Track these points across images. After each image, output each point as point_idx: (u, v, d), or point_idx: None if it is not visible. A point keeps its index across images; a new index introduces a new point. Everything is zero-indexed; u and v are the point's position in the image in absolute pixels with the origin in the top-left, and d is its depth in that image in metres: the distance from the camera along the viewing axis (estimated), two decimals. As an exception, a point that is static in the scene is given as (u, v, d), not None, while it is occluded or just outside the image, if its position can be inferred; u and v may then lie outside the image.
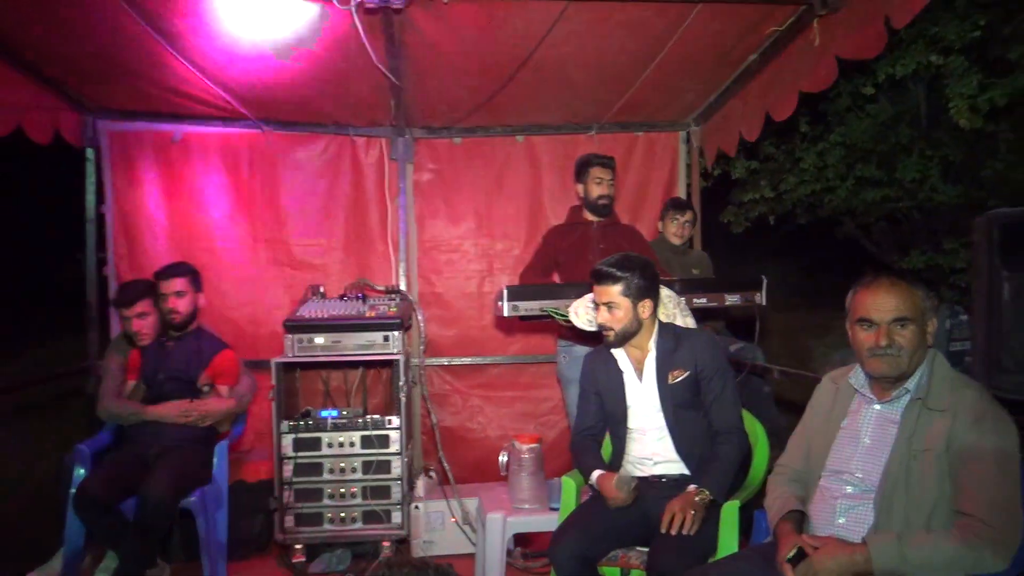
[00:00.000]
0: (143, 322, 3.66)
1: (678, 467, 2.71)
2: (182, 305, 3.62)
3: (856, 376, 2.22)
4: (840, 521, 2.07)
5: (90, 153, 4.37)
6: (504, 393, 4.73)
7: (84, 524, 3.19)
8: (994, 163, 6.15)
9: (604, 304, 2.66)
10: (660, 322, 2.78)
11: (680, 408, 2.70)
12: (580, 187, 3.96)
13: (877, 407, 2.14)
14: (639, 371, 2.75)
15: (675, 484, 2.65)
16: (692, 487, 2.51)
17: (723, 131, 4.43)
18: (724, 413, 2.67)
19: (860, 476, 2.08)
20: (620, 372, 2.78)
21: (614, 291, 2.64)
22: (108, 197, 4.43)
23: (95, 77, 3.88)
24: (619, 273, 2.63)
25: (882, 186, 6.61)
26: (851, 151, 6.53)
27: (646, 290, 2.67)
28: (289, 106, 4.28)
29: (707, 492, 2.48)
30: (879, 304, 2.08)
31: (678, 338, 2.74)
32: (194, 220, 4.52)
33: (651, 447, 2.75)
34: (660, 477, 2.72)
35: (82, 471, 3.35)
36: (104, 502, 3.13)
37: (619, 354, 2.79)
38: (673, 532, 2.35)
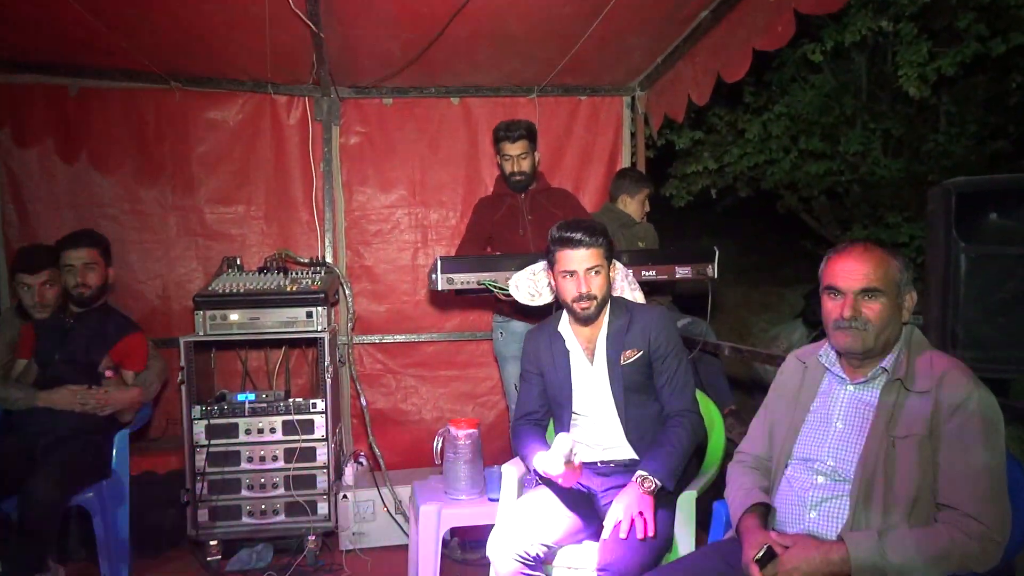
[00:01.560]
0: (48, 291, 3.27)
1: (628, 452, 2.49)
2: (92, 279, 3.25)
3: (826, 354, 2.01)
4: (811, 515, 1.87)
5: (-29, 109, 3.89)
6: (440, 372, 4.45)
7: (-43, 527, 2.81)
8: (936, 136, 6.11)
9: (590, 269, 2.38)
10: (611, 296, 2.54)
11: (631, 391, 2.47)
12: (498, 160, 3.77)
13: (851, 388, 1.93)
14: (589, 350, 2.51)
15: (625, 470, 2.43)
16: (638, 473, 2.25)
17: (671, 95, 4.19)
18: (676, 394, 2.45)
19: (832, 464, 1.88)
20: (567, 352, 2.53)
21: (597, 254, 2.38)
22: (-7, 159, 3.96)
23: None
24: (596, 236, 2.38)
25: (825, 159, 6.52)
26: (795, 122, 6.41)
27: (613, 252, 2.46)
28: (198, 58, 3.86)
29: (654, 480, 2.23)
30: (847, 272, 1.88)
31: (631, 314, 2.50)
32: (95, 185, 4.10)
33: (599, 433, 2.52)
34: (608, 463, 2.50)
35: (-45, 464, 2.95)
36: (-22, 503, 2.76)
37: (566, 332, 2.54)
38: (622, 535, 2.11)
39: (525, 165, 3.68)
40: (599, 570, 2.16)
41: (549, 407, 2.63)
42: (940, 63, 4.89)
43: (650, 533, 2.11)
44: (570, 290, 2.41)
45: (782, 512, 1.95)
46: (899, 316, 1.88)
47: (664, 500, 2.28)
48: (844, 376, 1.95)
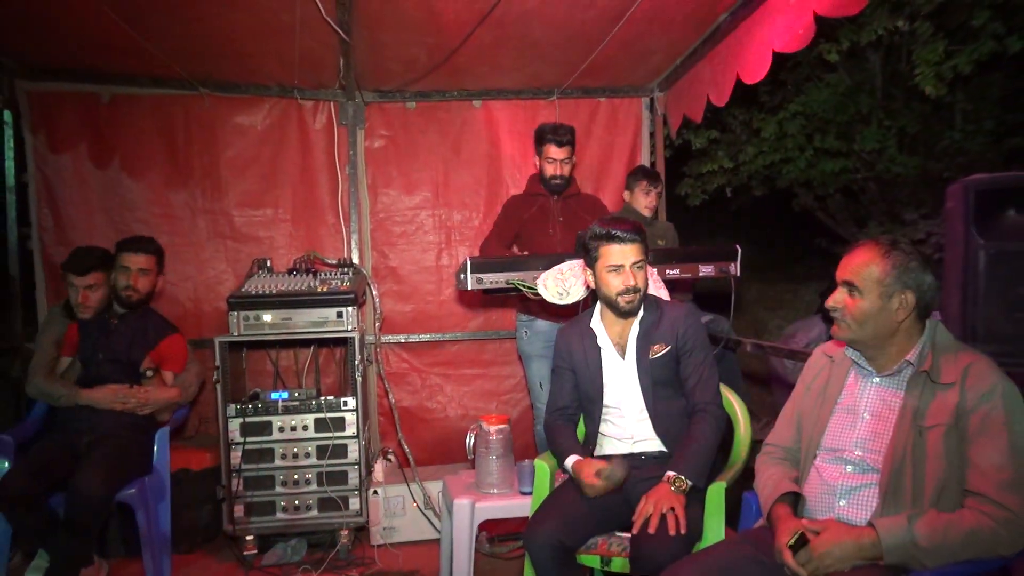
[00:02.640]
0: (92, 295, 3.35)
1: (657, 444, 2.56)
2: (143, 284, 3.36)
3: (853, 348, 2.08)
4: (841, 504, 1.94)
5: (8, 116, 3.98)
6: (465, 371, 4.52)
7: (8, 521, 2.90)
8: (952, 134, 6.14)
9: (635, 263, 2.48)
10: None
11: (659, 385, 2.54)
12: (537, 159, 3.81)
13: (877, 380, 2.00)
14: (620, 346, 2.58)
15: (656, 462, 2.50)
16: (669, 474, 2.33)
17: (689, 96, 4.25)
18: (701, 388, 2.52)
19: (860, 455, 1.94)
20: (599, 349, 2.60)
21: (641, 249, 2.49)
22: (30, 164, 4.06)
23: (10, 30, 3.49)
24: (639, 232, 2.49)
25: (841, 157, 6.55)
26: (810, 121, 6.44)
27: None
28: (228, 64, 3.96)
29: (684, 479, 2.31)
30: (842, 265, 2.00)
31: (661, 311, 2.58)
32: (127, 189, 4.19)
33: (629, 427, 2.58)
34: (639, 455, 2.57)
35: (5, 463, 3.05)
36: (29, 497, 2.84)
37: (598, 328, 2.61)
38: (651, 531, 2.18)
39: (567, 169, 3.74)
40: (631, 560, 2.24)
41: (580, 402, 2.70)
42: (956, 61, 4.91)
43: (682, 531, 2.18)
44: (616, 284, 2.48)
45: (812, 501, 2.01)
46: (887, 315, 1.92)
47: (694, 493, 2.35)
48: (870, 369, 2.01)
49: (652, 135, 4.71)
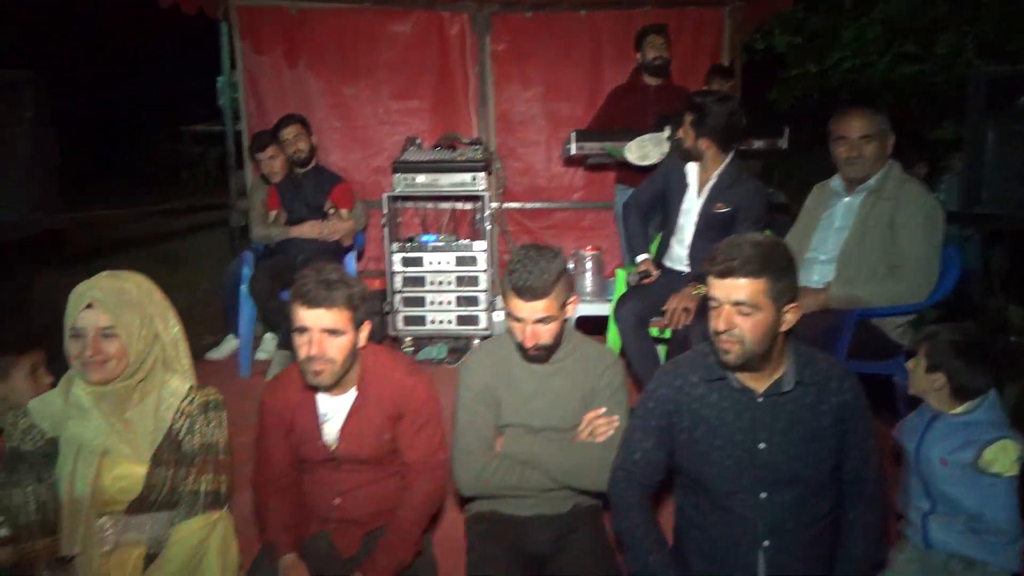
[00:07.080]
0: (274, 163, 4.58)
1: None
2: (303, 144, 4.53)
3: (836, 180, 3.04)
4: (815, 279, 2.95)
5: (224, 27, 5.24)
6: (569, 232, 5.60)
7: (256, 306, 4.22)
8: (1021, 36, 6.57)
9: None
10: (731, 157, 3.37)
11: (709, 229, 3.35)
12: (638, 55, 4.70)
13: (846, 199, 2.98)
14: (701, 187, 3.43)
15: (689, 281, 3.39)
16: (691, 283, 3.20)
17: (762, 4, 5.05)
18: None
19: (831, 247, 2.94)
20: (686, 185, 3.49)
21: (688, 121, 3.35)
22: (239, 64, 5.31)
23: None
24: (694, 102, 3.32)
25: (919, 61, 7.08)
26: (889, 27, 6.97)
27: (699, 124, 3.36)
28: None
29: (702, 288, 2.99)
30: (849, 125, 2.91)
31: (735, 177, 3.37)
32: (310, 84, 5.39)
33: (681, 250, 3.52)
34: (680, 273, 3.49)
35: (248, 269, 4.37)
36: (269, 291, 4.16)
37: (691, 168, 3.47)
38: (670, 324, 3.15)
39: (666, 52, 4.63)
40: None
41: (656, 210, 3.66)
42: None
43: (684, 322, 3.11)
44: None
45: (800, 280, 3.02)
46: (885, 153, 2.89)
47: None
48: (844, 193, 2.98)
49: (731, 38, 5.52)
